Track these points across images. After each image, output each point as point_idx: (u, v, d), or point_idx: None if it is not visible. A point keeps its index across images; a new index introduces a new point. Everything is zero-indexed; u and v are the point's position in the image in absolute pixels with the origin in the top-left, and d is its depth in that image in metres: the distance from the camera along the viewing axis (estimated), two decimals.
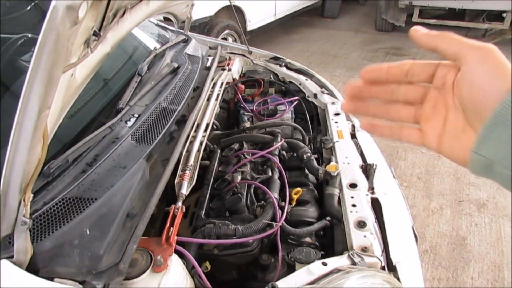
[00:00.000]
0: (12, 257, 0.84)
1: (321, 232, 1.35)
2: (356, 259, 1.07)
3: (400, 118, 0.53)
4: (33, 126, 0.66)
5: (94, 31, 1.00)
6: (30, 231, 0.85)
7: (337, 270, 1.03)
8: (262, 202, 1.37)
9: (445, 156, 0.49)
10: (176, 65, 1.74)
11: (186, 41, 2.06)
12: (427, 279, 2.21)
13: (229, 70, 2.09)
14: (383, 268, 1.10)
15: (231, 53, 2.32)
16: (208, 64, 1.98)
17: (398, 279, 1.08)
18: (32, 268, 0.88)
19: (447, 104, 0.48)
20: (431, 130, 0.50)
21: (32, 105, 0.64)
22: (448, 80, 0.48)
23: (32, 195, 0.82)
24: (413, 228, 1.39)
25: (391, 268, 1.12)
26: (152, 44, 1.96)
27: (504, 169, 0.41)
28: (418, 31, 0.49)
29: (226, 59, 2.23)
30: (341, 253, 1.15)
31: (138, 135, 1.30)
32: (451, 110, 0.48)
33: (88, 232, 0.95)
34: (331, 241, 1.34)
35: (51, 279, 0.87)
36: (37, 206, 0.99)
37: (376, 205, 1.33)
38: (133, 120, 1.34)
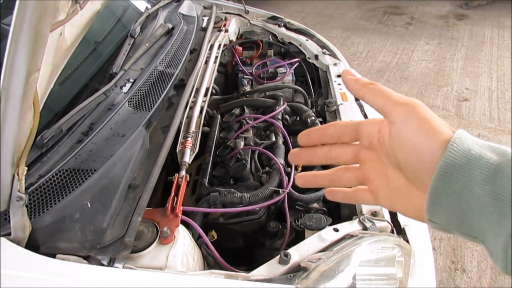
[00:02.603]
0: (9, 234, 0.80)
1: None
2: (367, 224, 1.04)
3: (348, 183, 0.49)
4: (21, 91, 0.59)
5: None
6: (27, 206, 0.79)
7: (349, 236, 1.00)
8: (267, 168, 1.32)
9: (402, 214, 0.45)
10: (170, 25, 1.64)
11: (179, 0, 1.94)
12: None
13: (226, 31, 1.99)
14: (392, 231, 1.08)
15: (227, 13, 2.21)
16: (204, 24, 1.88)
17: (408, 241, 1.07)
18: (32, 244, 0.84)
19: (382, 163, 0.45)
20: (378, 190, 0.47)
21: (19, 66, 0.57)
22: (373, 139, 0.45)
23: (26, 168, 0.76)
24: None
25: (399, 231, 1.10)
26: (142, 4, 1.85)
27: (462, 235, 0.38)
28: (348, 74, 0.46)
29: (222, 19, 2.12)
30: (348, 218, 1.12)
31: (135, 101, 1.23)
32: (389, 168, 0.45)
33: (89, 205, 0.90)
34: (337, 206, 1.31)
35: (53, 255, 0.83)
36: (32, 179, 0.93)
37: None
38: (128, 85, 1.27)
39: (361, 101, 1.67)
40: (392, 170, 0.44)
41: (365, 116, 1.59)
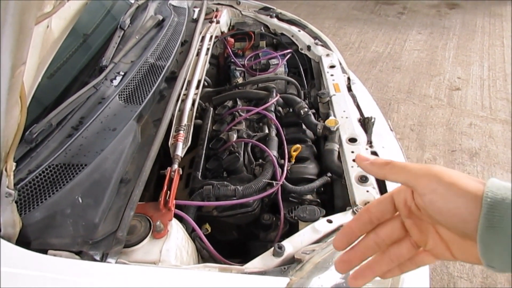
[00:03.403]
0: None
1: (322, 189, 1.31)
2: None
3: (406, 257, 0.48)
4: (7, 85, 0.58)
5: None
6: (16, 202, 0.78)
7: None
8: (261, 160, 1.32)
9: (466, 262, 0.47)
10: (160, 17, 1.62)
11: None
12: None
13: (217, 22, 1.97)
14: None
15: (218, 3, 2.18)
16: (195, 16, 1.86)
17: None
18: (23, 241, 0.83)
19: (428, 223, 0.46)
20: (435, 248, 0.47)
21: (4, 60, 0.55)
22: (411, 205, 0.46)
23: (14, 163, 0.75)
24: None
25: None
26: None
27: None
28: (362, 159, 0.48)
29: (213, 10, 2.10)
30: (341, 209, 1.12)
31: (126, 94, 1.21)
32: (437, 225, 0.45)
33: (80, 200, 0.89)
34: (331, 197, 1.31)
35: (45, 251, 0.82)
36: (22, 175, 0.92)
37: None
38: (119, 78, 1.25)
39: (354, 92, 1.67)
40: (441, 227, 0.45)
41: (358, 107, 1.59)
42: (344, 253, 0.48)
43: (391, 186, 1.20)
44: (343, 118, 1.43)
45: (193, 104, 1.36)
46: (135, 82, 1.27)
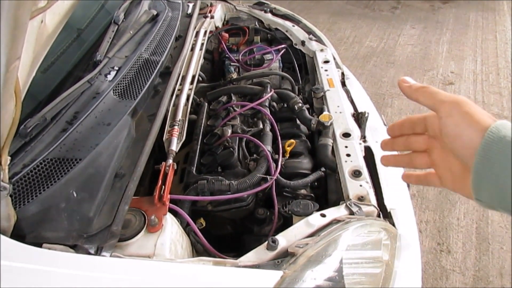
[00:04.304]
0: None
1: (315, 183, 1.32)
2: (354, 209, 1.06)
3: (420, 166, 0.59)
4: (2, 79, 0.58)
5: None
6: (11, 196, 0.78)
7: (336, 221, 1.01)
8: (255, 155, 1.32)
9: (463, 196, 0.52)
10: (155, 12, 1.61)
11: None
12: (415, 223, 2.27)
13: (212, 17, 1.97)
14: (378, 215, 1.10)
15: None
16: (189, 11, 1.85)
17: (394, 225, 1.09)
18: (18, 234, 0.83)
19: (445, 150, 0.53)
20: (443, 175, 0.55)
21: None
22: (436, 129, 0.53)
23: (9, 157, 0.75)
24: None
25: (386, 215, 1.11)
26: None
27: (505, 211, 0.44)
28: (405, 81, 0.55)
29: (207, 5, 2.09)
30: (335, 203, 1.13)
31: (120, 89, 1.21)
32: (449, 155, 0.52)
33: (75, 195, 0.89)
34: (324, 191, 1.33)
35: (39, 245, 0.82)
36: (16, 169, 0.92)
37: (368, 154, 1.31)
38: (113, 73, 1.25)
39: (348, 87, 1.68)
40: (452, 157, 0.51)
41: (352, 102, 1.60)
42: (387, 140, 0.61)
43: (384, 179, 1.22)
44: (337, 113, 1.44)
45: (187, 99, 1.36)
46: (130, 77, 1.27)
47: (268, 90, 1.59)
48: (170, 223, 0.94)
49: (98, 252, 0.82)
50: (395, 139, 0.60)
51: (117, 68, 1.28)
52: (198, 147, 1.35)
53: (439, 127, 0.50)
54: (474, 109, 0.46)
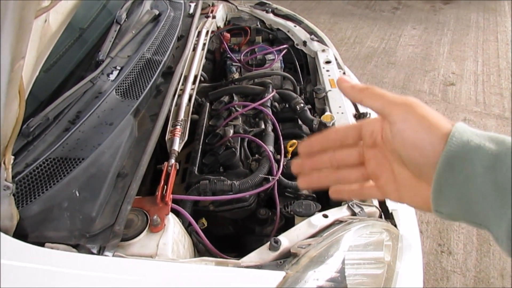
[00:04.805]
0: None
1: None
2: (356, 210, 1.06)
3: (351, 181, 0.51)
4: (7, 79, 0.58)
5: None
6: (14, 195, 0.78)
7: (338, 222, 1.01)
8: (257, 156, 1.32)
9: (411, 206, 0.47)
10: (157, 12, 1.61)
11: None
12: None
13: (213, 17, 1.97)
14: (380, 216, 1.10)
15: None
16: (191, 10, 1.85)
17: (395, 225, 1.09)
18: (20, 233, 0.83)
19: (387, 159, 0.47)
20: (385, 186, 0.48)
21: (4, 54, 0.55)
22: (377, 137, 0.46)
23: (12, 157, 0.75)
24: None
25: (387, 215, 1.12)
26: None
27: (468, 222, 0.40)
28: (343, 82, 0.48)
29: (209, 5, 2.09)
30: (337, 204, 1.13)
31: (123, 89, 1.21)
32: (394, 164, 0.46)
33: (77, 194, 0.89)
34: (326, 192, 1.32)
35: (42, 244, 0.82)
36: (19, 168, 0.92)
37: None
38: (115, 73, 1.25)
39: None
40: (397, 166, 0.46)
41: (353, 102, 1.60)
42: (300, 158, 0.51)
43: None
44: (339, 113, 1.44)
45: (189, 99, 1.36)
46: (132, 77, 1.27)
47: (270, 90, 1.59)
48: (173, 223, 0.94)
49: (100, 252, 0.82)
50: (314, 157, 0.50)
51: (119, 68, 1.28)
52: (200, 147, 1.35)
53: (387, 133, 0.44)
54: (428, 111, 0.42)
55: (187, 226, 1.05)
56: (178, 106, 1.30)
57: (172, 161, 1.08)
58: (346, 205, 1.07)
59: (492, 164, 0.36)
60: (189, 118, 1.27)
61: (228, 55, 1.95)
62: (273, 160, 1.25)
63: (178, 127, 1.20)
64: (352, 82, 0.48)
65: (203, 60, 1.62)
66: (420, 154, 0.41)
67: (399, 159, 0.45)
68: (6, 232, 0.80)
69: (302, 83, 1.89)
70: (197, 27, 1.74)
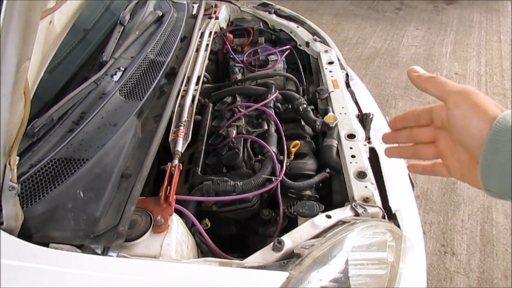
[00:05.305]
0: (1, 223, 0.79)
1: (320, 184, 1.32)
2: (359, 210, 1.06)
3: (426, 156, 0.58)
4: (12, 80, 0.58)
5: None
6: (19, 196, 0.79)
7: (342, 222, 1.01)
8: (260, 156, 1.33)
9: (471, 185, 0.52)
10: (160, 13, 1.62)
11: None
12: None
13: (216, 18, 1.97)
14: (383, 217, 1.10)
15: None
16: (194, 11, 1.86)
17: (399, 226, 1.09)
18: (25, 234, 0.83)
19: (452, 140, 0.53)
20: (451, 165, 0.54)
21: (10, 55, 0.56)
22: (443, 120, 0.52)
23: (17, 157, 0.75)
24: (409, 176, 1.39)
25: (390, 216, 1.11)
26: None
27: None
28: (414, 71, 0.55)
29: (212, 6, 2.09)
30: (340, 204, 1.13)
31: (127, 90, 1.21)
32: (457, 145, 0.52)
33: (81, 195, 0.90)
34: (329, 193, 1.33)
35: (46, 244, 0.82)
36: (24, 169, 0.92)
37: (373, 155, 1.31)
38: (119, 74, 1.25)
39: (352, 88, 1.68)
40: (460, 147, 0.51)
41: (356, 103, 1.60)
42: (389, 133, 0.61)
43: (388, 180, 1.22)
44: (342, 114, 1.44)
45: (193, 100, 1.36)
46: (136, 78, 1.27)
47: (273, 91, 1.59)
48: (176, 224, 0.94)
49: (104, 252, 0.83)
50: (397, 131, 0.60)
51: (123, 69, 1.29)
52: (203, 147, 1.35)
53: (447, 117, 0.50)
54: (482, 99, 0.46)
55: (191, 227, 1.05)
56: (181, 107, 1.30)
57: (176, 161, 1.08)
58: (350, 205, 1.07)
59: None
60: (192, 119, 1.28)
61: (231, 56, 1.95)
62: (276, 161, 1.25)
63: (182, 127, 1.20)
64: (421, 72, 0.54)
65: (206, 61, 1.62)
66: (468, 136, 0.46)
67: (458, 142, 0.50)
68: (11, 233, 0.81)
69: (305, 83, 1.89)
70: (200, 28, 1.75)
